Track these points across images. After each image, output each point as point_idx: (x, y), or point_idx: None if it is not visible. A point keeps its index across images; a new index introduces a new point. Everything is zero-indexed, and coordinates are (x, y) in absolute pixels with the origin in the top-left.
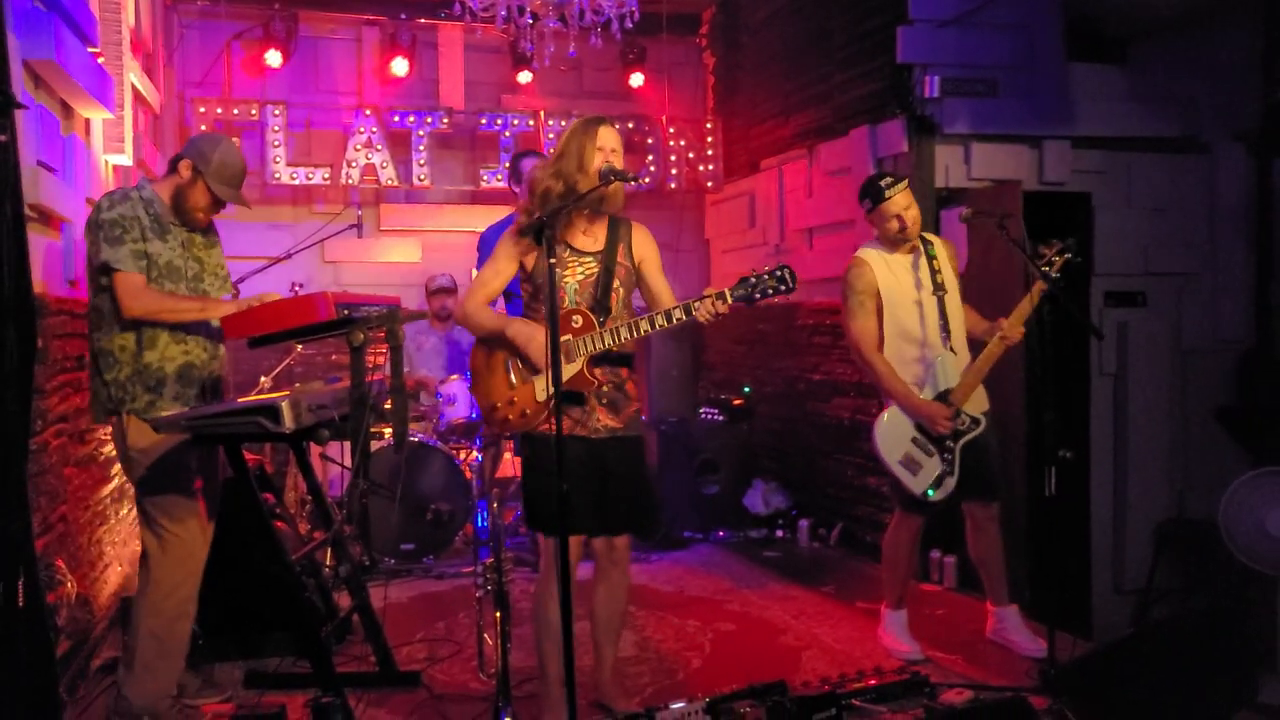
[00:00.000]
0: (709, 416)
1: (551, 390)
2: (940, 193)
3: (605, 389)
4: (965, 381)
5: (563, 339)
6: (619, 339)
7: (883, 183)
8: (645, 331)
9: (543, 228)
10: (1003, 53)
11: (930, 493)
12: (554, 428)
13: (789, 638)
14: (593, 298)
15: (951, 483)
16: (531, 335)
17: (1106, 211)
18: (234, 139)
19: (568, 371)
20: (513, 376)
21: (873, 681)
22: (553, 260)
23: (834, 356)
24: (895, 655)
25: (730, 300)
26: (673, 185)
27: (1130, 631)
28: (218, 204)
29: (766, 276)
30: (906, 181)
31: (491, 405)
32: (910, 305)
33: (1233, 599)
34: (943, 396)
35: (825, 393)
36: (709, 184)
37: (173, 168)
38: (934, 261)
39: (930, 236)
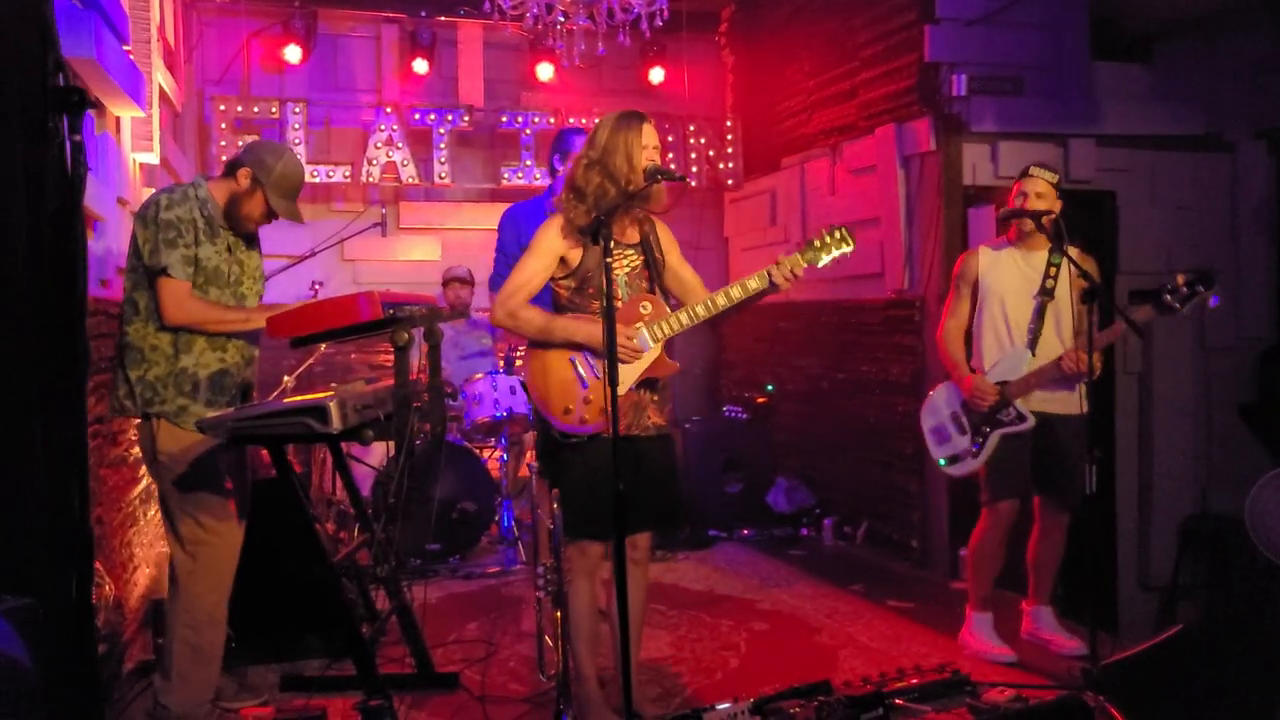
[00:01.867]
0: (732, 414)
1: (633, 381)
2: (968, 191)
3: (664, 381)
4: (1023, 379)
5: (636, 326)
6: (696, 317)
7: (1034, 165)
8: (722, 306)
9: (600, 227)
10: (1029, 51)
11: (942, 462)
12: (630, 425)
13: (823, 637)
14: (649, 285)
15: (972, 464)
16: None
17: (1131, 209)
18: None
19: (648, 359)
20: (584, 375)
21: (914, 680)
22: (609, 259)
23: (858, 354)
24: (985, 658)
25: (804, 263)
26: (693, 183)
27: (1174, 629)
28: (271, 215)
29: (828, 238)
30: (1056, 177)
31: (564, 409)
32: (1009, 299)
33: (1260, 595)
34: (999, 386)
35: (849, 390)
36: (729, 182)
37: (229, 172)
38: (1053, 269)
39: (1074, 250)
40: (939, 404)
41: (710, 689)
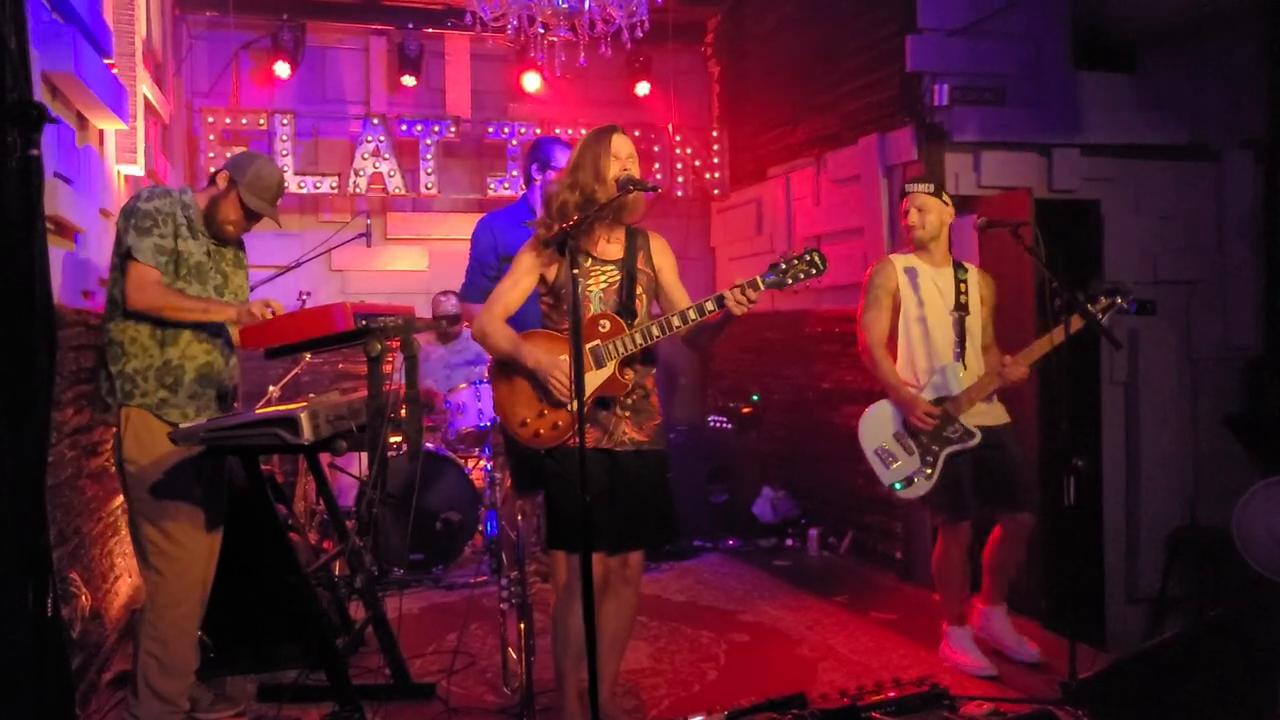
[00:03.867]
0: (717, 424)
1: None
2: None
3: (632, 397)
4: (964, 394)
5: (591, 344)
6: (650, 337)
7: (908, 182)
8: (677, 328)
9: (566, 238)
10: (1011, 61)
11: (898, 486)
12: (601, 439)
13: (804, 649)
14: (618, 303)
15: (925, 486)
16: (553, 365)
17: (1115, 219)
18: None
19: (600, 376)
20: (542, 391)
21: (892, 694)
22: (576, 271)
23: (843, 364)
24: (966, 672)
25: (762, 287)
26: (679, 193)
27: (1150, 642)
28: (250, 217)
29: (796, 261)
30: (931, 187)
31: (520, 420)
32: (930, 314)
33: (1248, 607)
34: (939, 403)
35: (834, 401)
36: (715, 191)
37: (211, 180)
38: (962, 284)
39: (969, 265)
40: (879, 424)
41: (687, 701)
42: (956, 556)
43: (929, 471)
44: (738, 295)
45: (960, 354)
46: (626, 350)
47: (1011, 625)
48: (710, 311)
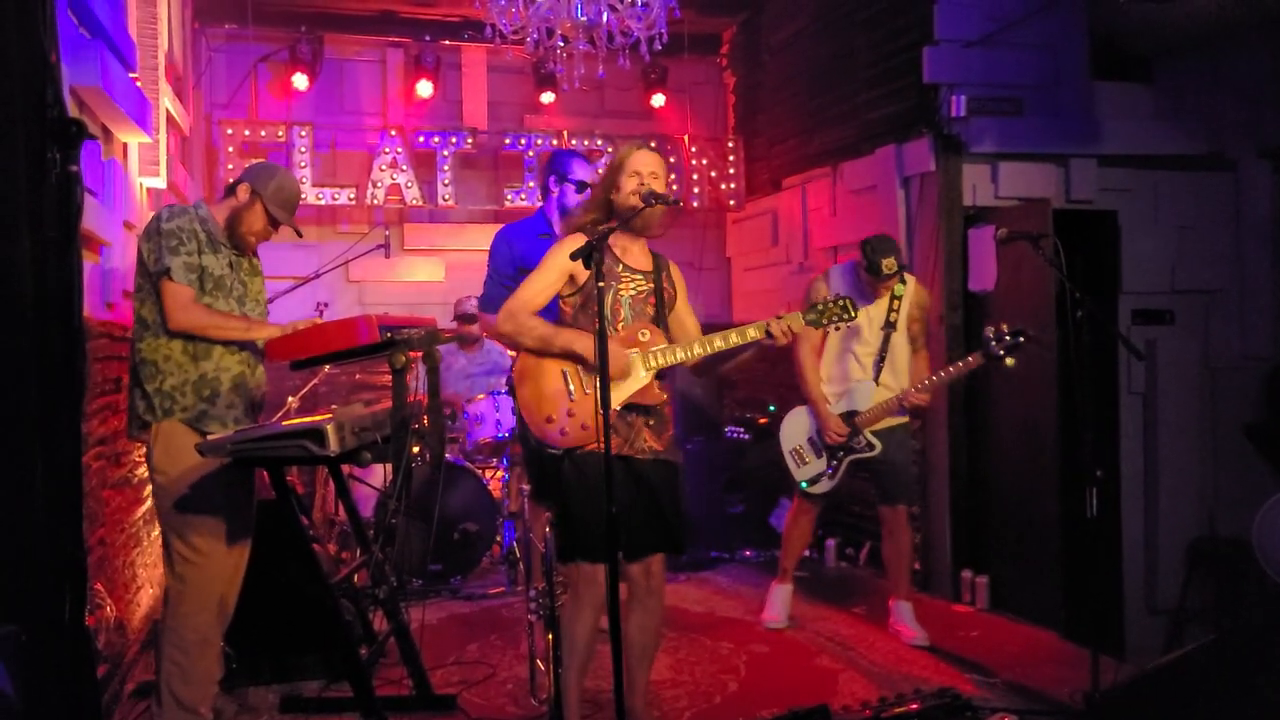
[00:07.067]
0: (734, 435)
1: (617, 404)
2: (968, 211)
3: (659, 408)
4: (872, 411)
5: (629, 351)
6: (691, 355)
7: (885, 264)
8: (719, 348)
9: (592, 251)
10: (1028, 72)
11: (804, 484)
12: (622, 445)
13: (824, 660)
14: (653, 313)
15: (828, 485)
16: (612, 354)
17: (1133, 229)
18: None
19: (635, 384)
20: (572, 388)
21: (914, 706)
22: (601, 284)
23: None
24: (765, 623)
25: (804, 323)
26: (695, 204)
27: (1174, 654)
28: (272, 226)
29: (833, 305)
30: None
31: (546, 417)
32: (862, 329)
33: (1269, 618)
34: (850, 415)
35: None
36: (731, 202)
37: (229, 192)
38: (895, 301)
39: (909, 277)
40: (797, 429)
41: (709, 713)
42: (803, 524)
43: (832, 474)
44: (783, 327)
45: (878, 371)
46: (666, 362)
47: (912, 616)
48: (752, 339)
